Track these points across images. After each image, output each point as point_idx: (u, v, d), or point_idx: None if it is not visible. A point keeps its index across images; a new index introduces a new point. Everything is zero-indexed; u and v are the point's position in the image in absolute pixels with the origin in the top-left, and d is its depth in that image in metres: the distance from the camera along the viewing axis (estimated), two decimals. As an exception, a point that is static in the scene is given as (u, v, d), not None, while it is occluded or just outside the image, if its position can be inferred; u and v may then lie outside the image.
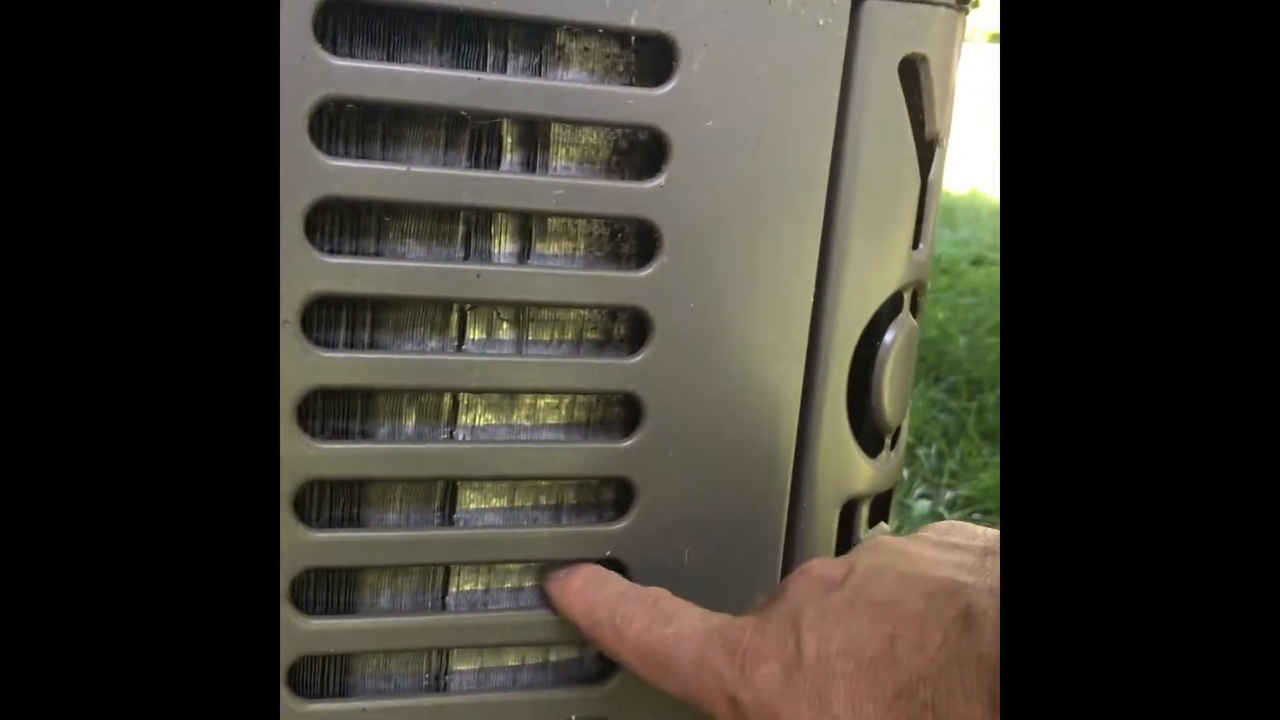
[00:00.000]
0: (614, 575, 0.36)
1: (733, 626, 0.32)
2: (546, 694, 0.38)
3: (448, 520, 0.36)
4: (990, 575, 0.29)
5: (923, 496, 2.03)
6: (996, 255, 3.85)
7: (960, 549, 0.32)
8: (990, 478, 2.07)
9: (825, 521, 0.39)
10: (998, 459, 2.17)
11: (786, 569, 0.38)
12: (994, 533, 0.33)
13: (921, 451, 2.19)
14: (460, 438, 0.36)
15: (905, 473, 2.08)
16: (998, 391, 2.46)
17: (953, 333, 2.78)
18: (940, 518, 1.96)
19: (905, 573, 0.31)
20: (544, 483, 0.37)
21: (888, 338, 0.39)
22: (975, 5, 0.41)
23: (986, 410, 2.40)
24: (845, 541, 0.40)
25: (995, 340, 2.74)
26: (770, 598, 0.34)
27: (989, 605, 0.28)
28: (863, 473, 0.39)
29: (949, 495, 2.03)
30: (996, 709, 0.26)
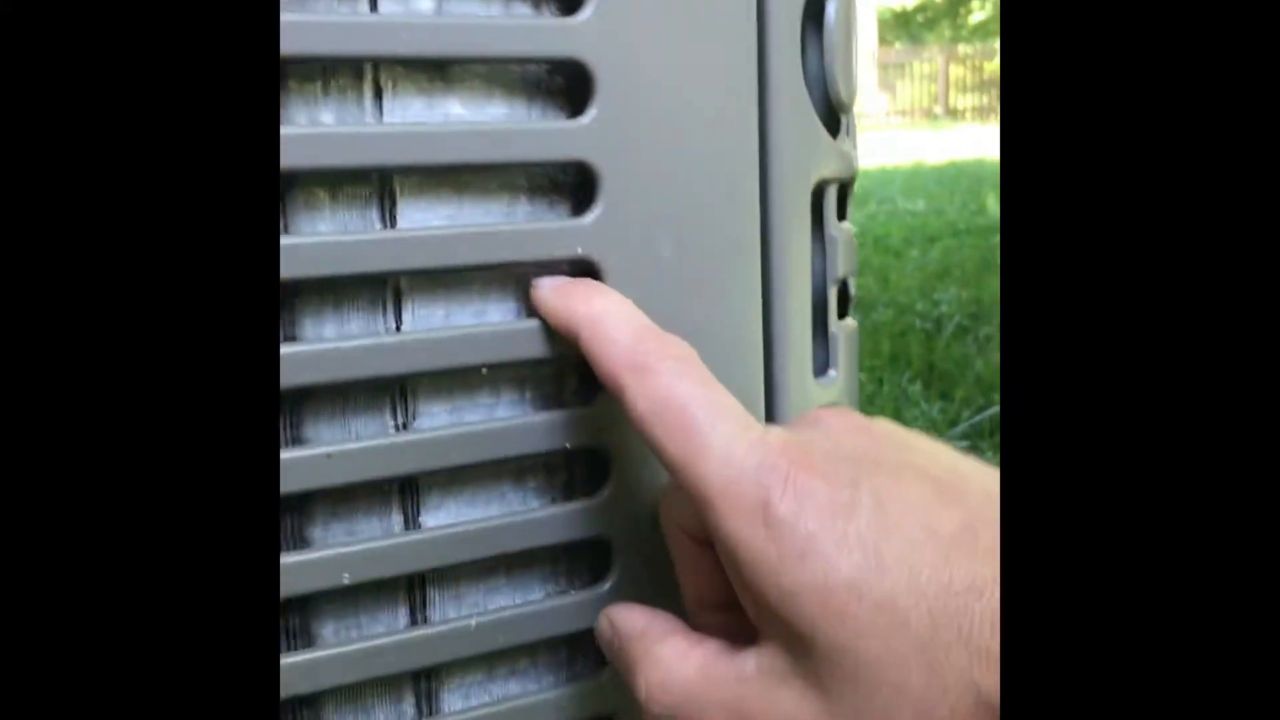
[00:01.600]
0: (628, 301, 0.30)
1: (779, 428, 0.27)
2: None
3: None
4: None
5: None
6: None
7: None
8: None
9: (798, 202, 0.37)
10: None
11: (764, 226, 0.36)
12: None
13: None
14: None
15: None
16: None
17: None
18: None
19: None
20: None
21: (830, 11, 0.37)
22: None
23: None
24: (819, 231, 0.38)
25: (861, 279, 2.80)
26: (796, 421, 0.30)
27: None
28: (828, 153, 0.38)
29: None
30: None
